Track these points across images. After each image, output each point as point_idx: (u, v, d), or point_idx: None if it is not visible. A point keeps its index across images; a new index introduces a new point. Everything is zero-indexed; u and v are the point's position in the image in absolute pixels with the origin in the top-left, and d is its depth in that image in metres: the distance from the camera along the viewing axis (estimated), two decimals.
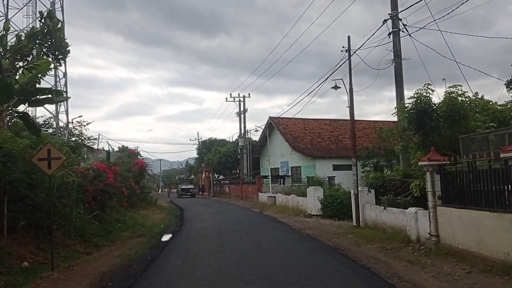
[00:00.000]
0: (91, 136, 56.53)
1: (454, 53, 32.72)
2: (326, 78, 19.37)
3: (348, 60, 14.30)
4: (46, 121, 30.71)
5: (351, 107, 14.41)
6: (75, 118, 38.93)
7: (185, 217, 21.50)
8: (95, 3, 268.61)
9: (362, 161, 35.99)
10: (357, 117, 44.39)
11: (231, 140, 54.77)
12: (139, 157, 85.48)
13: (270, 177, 31.97)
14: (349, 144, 42.45)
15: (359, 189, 13.78)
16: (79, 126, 55.33)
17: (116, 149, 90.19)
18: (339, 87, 15.63)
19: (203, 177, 62.29)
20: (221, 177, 58.52)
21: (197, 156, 67.50)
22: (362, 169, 36.43)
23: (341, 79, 14.94)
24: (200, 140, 67.50)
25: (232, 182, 44.49)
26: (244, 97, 42.40)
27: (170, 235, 14.39)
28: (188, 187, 52.01)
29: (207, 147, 64.45)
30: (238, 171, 56.76)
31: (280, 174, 39.18)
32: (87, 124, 50.54)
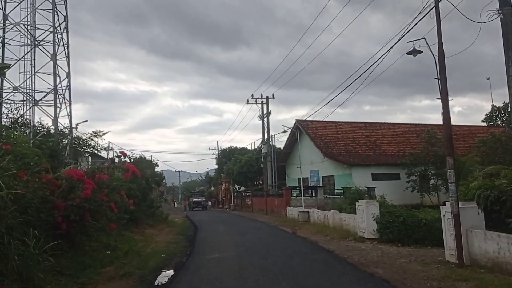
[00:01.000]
0: (108, 147, 53.37)
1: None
2: (397, 43, 14.47)
3: (435, 8, 9.38)
4: (39, 122, 26.91)
5: (442, 77, 9.46)
6: (80, 123, 35.25)
7: (198, 240, 16.84)
8: (119, 19, 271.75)
9: (407, 169, 30.89)
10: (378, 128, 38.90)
11: (252, 148, 50.11)
12: (156, 167, 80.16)
13: (301, 188, 27.10)
14: (389, 151, 37.45)
15: (459, 205, 8.81)
16: (95, 136, 52.01)
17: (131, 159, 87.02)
18: (420, 52, 10.73)
19: (222, 188, 57.77)
20: (242, 188, 53.83)
21: (217, 166, 63.07)
22: (407, 178, 31.31)
23: (424, 38, 10.09)
24: (219, 150, 63.14)
25: (255, 194, 39.74)
26: (267, 98, 37.84)
27: (169, 275, 9.72)
28: (199, 199, 51.47)
29: (227, 156, 60.00)
30: (260, 182, 51.97)
31: (309, 185, 34.26)
32: (103, 134, 47.44)
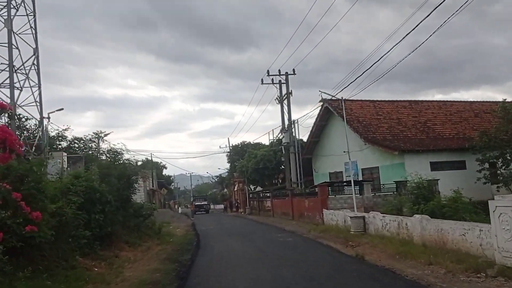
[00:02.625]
0: (111, 149, 46.27)
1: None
2: None
3: None
4: None
5: None
6: (53, 112, 28.40)
7: (194, 276, 9.60)
8: (127, 25, 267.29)
9: (481, 154, 23.35)
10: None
11: (269, 141, 42.71)
12: (164, 170, 73.36)
13: (352, 182, 19.62)
14: (445, 133, 29.84)
15: None
16: (96, 137, 45.19)
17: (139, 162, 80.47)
18: None
19: (235, 189, 50.58)
20: (258, 188, 46.55)
21: (229, 164, 55.89)
22: (480, 166, 23.76)
23: None
24: (231, 146, 55.94)
25: (276, 194, 32.41)
26: (287, 74, 30.49)
27: None
28: (202, 203, 52.09)
29: (239, 153, 52.77)
30: (279, 180, 44.65)
31: (344, 180, 26.84)
32: (105, 135, 40.59)
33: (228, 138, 59.72)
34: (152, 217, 20.29)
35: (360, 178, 26.33)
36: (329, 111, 29.27)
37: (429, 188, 19.10)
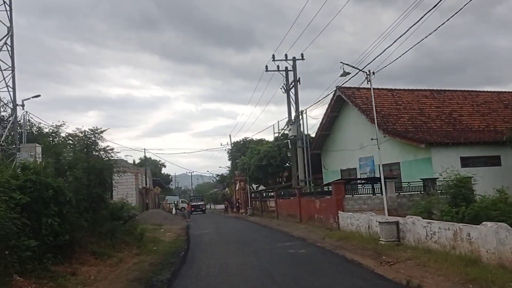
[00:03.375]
0: (107, 147, 43.63)
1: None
2: None
3: None
4: None
5: None
6: (28, 99, 25.16)
7: None
8: (131, 25, 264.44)
9: None
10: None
11: (271, 138, 39.37)
12: (163, 168, 70.27)
13: (382, 177, 16.15)
14: (474, 125, 26.38)
15: None
16: (92, 134, 42.95)
17: (137, 160, 77.14)
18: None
19: (236, 188, 47.29)
20: (261, 187, 43.25)
21: (230, 161, 52.59)
22: None
23: None
24: (232, 143, 52.64)
25: (282, 194, 29.05)
26: (294, 60, 27.13)
27: None
28: (198, 203, 53.50)
29: (241, 149, 49.53)
30: (283, 179, 41.34)
31: (359, 178, 23.47)
32: (101, 132, 38.49)
33: (230, 135, 56.46)
34: (134, 219, 17.04)
35: (377, 175, 23.00)
36: (342, 100, 25.96)
37: (468, 187, 15.85)
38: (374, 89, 26.28)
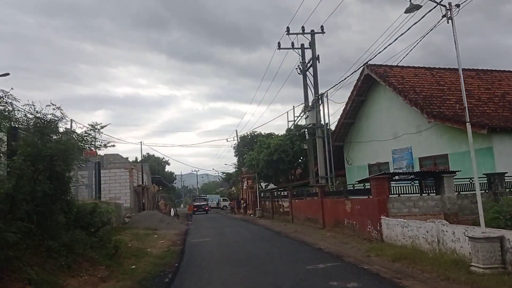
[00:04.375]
0: (108, 143, 39.78)
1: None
2: None
3: None
4: None
5: None
6: None
7: None
8: (140, 24, 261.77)
9: None
10: None
11: (290, 121, 35.00)
12: (166, 166, 65.78)
13: (474, 169, 11.76)
14: None
15: None
16: (92, 130, 39.75)
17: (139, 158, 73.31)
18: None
19: (243, 187, 43.04)
20: (271, 186, 39.00)
21: (236, 158, 48.36)
22: None
23: None
24: (239, 138, 48.41)
25: (298, 193, 24.75)
26: (313, 33, 22.79)
27: None
28: (201, 204, 54.32)
29: (249, 144, 45.32)
30: (296, 177, 37.06)
31: (402, 171, 19.07)
32: (102, 127, 35.81)
33: (236, 130, 52.36)
34: (107, 226, 12.88)
35: (416, 169, 18.66)
36: (371, 81, 21.66)
37: None
38: (409, 67, 22.07)
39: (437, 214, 13.13)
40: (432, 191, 14.05)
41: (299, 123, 26.07)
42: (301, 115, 23.75)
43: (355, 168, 23.84)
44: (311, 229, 18.48)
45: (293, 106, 27.23)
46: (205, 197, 64.33)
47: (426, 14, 11.67)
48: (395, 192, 13.67)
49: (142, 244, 16.25)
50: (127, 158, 38.98)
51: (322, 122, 22.63)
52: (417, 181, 14.77)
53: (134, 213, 27.47)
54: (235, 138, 49.25)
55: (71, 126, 27.42)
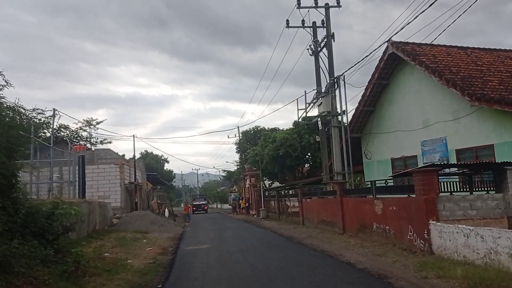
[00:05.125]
0: (105, 140, 34.96)
1: None
2: None
3: None
4: None
5: None
6: None
7: None
8: (142, 24, 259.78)
9: None
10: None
11: (302, 109, 32.03)
12: (165, 164, 63.01)
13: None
14: None
15: None
16: (87, 125, 35.41)
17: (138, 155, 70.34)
18: None
19: (246, 185, 40.04)
20: (275, 184, 36.06)
21: (238, 154, 45.39)
22: None
23: None
24: (241, 133, 45.42)
25: (310, 192, 21.71)
26: (327, 6, 19.79)
27: None
28: (200, 203, 53.70)
29: (252, 139, 42.37)
30: (304, 174, 34.13)
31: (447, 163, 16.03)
32: (97, 123, 32.09)
33: (238, 126, 49.53)
34: (68, 233, 9.89)
35: (452, 161, 15.64)
36: (396, 61, 18.67)
37: None
38: (440, 46, 19.03)
39: (499, 218, 10.19)
40: (488, 188, 11.05)
41: (308, 115, 23.07)
42: (313, 102, 20.74)
43: (374, 163, 20.83)
44: (328, 234, 15.50)
45: (305, 91, 23.89)
46: (205, 196, 63.79)
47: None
48: (444, 190, 10.66)
49: (125, 252, 13.33)
50: (123, 156, 36.03)
51: (338, 109, 19.62)
52: (467, 176, 11.77)
53: (125, 213, 24.53)
54: (237, 135, 46.34)
55: (54, 115, 24.44)
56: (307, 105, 20.78)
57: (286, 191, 26.85)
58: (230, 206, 50.57)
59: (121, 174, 27.44)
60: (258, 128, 42.49)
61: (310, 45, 20.80)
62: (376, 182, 13.38)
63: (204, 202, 55.55)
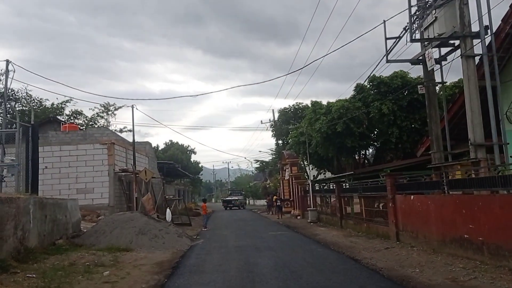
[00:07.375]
0: (125, 127, 34.13)
1: None
2: None
3: None
4: None
5: None
6: None
7: None
8: (178, 21, 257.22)
9: None
10: None
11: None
12: (192, 155, 55.57)
13: None
14: None
15: None
16: (104, 111, 29.42)
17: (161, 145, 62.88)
18: None
19: (286, 177, 31.01)
20: (327, 175, 27.05)
21: (274, 139, 36.56)
22: None
23: None
24: (279, 111, 36.54)
25: (416, 183, 11.99)
26: None
27: None
28: (231, 198, 48.72)
29: (291, 119, 33.45)
30: (365, 161, 24.91)
31: None
32: (116, 109, 30.54)
33: (273, 110, 40.89)
34: None
35: None
36: None
37: None
38: None
39: None
40: None
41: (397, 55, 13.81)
42: (417, 20, 11.52)
43: None
44: (492, 274, 6.43)
45: (384, 21, 14.19)
46: (241, 192, 56.53)
47: None
48: None
49: None
50: (156, 148, 27.82)
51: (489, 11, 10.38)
52: None
53: (105, 215, 16.22)
54: (271, 120, 37.50)
55: (7, 69, 16.45)
56: (410, 25, 11.49)
57: (351, 183, 17.73)
58: (265, 203, 41.31)
59: (109, 158, 19.18)
60: (300, 105, 33.47)
61: None
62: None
63: (235, 198, 49.22)
